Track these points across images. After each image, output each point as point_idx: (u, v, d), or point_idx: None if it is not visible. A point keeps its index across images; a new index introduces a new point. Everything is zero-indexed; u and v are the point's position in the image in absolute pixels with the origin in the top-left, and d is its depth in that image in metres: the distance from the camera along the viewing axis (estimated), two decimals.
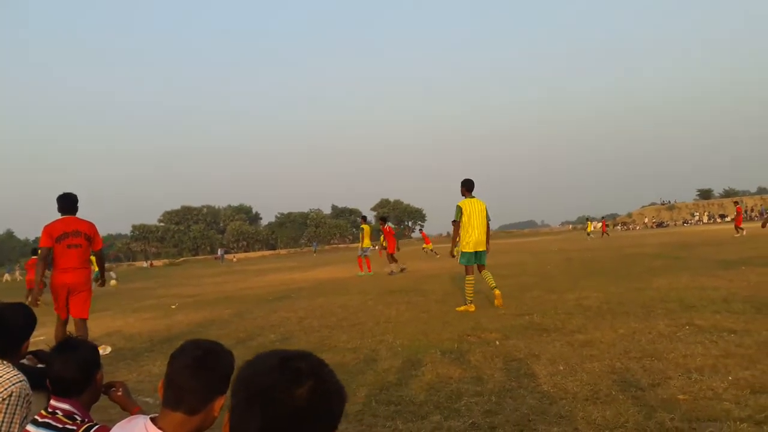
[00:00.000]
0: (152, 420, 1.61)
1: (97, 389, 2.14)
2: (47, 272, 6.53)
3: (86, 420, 2.02)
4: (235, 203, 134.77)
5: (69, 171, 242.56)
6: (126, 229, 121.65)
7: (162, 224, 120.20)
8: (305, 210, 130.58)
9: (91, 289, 6.76)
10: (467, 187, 8.91)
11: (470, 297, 8.50)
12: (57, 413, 2.00)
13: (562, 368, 4.66)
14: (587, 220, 53.75)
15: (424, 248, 34.81)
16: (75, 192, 6.50)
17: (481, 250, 8.72)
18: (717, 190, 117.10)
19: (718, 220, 78.62)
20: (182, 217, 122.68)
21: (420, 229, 45.35)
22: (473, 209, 8.73)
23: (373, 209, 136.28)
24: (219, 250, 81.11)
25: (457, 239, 8.84)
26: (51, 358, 2.10)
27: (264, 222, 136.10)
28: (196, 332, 8.42)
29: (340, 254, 59.04)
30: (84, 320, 6.54)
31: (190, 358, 1.59)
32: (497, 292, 8.57)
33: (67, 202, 6.51)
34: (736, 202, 28.49)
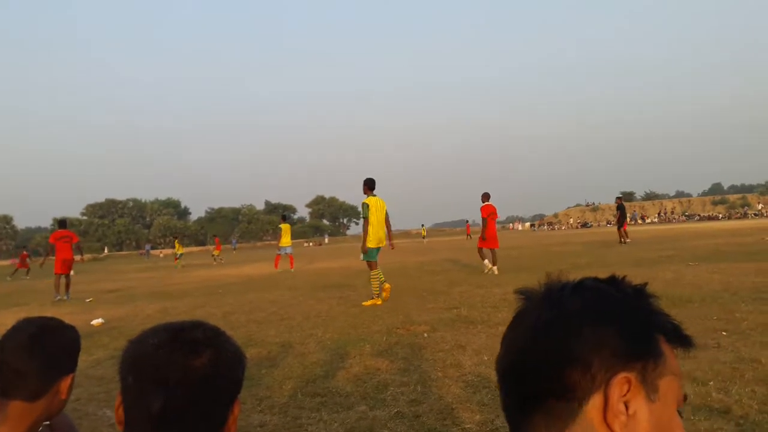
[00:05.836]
0: None
1: None
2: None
3: None
4: (162, 197, 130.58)
5: None
6: (46, 222, 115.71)
7: (85, 218, 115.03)
8: (237, 205, 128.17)
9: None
10: (370, 185, 9.27)
11: (377, 290, 8.89)
12: None
13: (486, 358, 4.76)
14: (422, 225, 55.95)
15: (213, 255, 35.97)
16: None
17: (383, 245, 9.28)
18: (639, 193, 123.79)
19: (639, 221, 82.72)
20: (107, 211, 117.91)
21: (214, 236, 46.43)
22: (378, 207, 9.17)
23: (308, 206, 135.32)
24: (146, 245, 78.43)
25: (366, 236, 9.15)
26: None
27: (193, 217, 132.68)
28: (116, 327, 8.10)
29: (272, 251, 58.26)
30: (69, 274, 13.65)
31: (24, 337, 1.42)
32: (387, 285, 8.90)
33: (62, 224, 14.35)
34: (619, 198, 22.54)
